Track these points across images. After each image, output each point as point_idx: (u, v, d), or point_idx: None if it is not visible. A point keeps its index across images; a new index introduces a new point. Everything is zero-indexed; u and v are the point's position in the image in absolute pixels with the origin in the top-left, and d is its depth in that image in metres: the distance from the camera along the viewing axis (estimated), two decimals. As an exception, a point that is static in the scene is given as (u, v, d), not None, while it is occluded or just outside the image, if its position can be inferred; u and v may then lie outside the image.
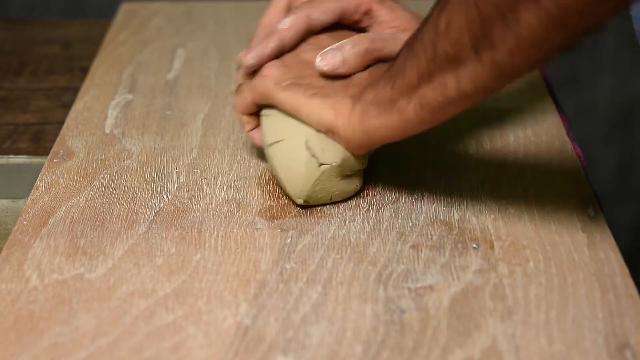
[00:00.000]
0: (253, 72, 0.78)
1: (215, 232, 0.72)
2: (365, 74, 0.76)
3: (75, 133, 0.87)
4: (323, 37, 0.78)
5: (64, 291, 0.66)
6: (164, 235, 0.72)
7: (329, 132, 0.73)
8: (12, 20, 1.31)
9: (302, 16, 0.78)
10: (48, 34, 1.17)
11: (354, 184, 0.76)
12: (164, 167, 0.81)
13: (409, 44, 0.68)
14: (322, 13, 0.78)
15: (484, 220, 0.73)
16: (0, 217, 0.88)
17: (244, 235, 0.71)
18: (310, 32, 0.78)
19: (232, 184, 0.78)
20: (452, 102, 0.65)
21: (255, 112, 0.79)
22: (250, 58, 0.77)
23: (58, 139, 0.86)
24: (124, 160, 0.82)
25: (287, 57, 0.77)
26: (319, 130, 0.74)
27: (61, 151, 0.83)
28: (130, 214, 0.74)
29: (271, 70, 0.76)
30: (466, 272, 0.67)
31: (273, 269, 0.68)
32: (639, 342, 0.61)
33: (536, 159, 0.81)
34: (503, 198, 0.75)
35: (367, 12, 0.79)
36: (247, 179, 0.79)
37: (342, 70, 0.75)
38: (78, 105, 0.92)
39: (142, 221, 0.73)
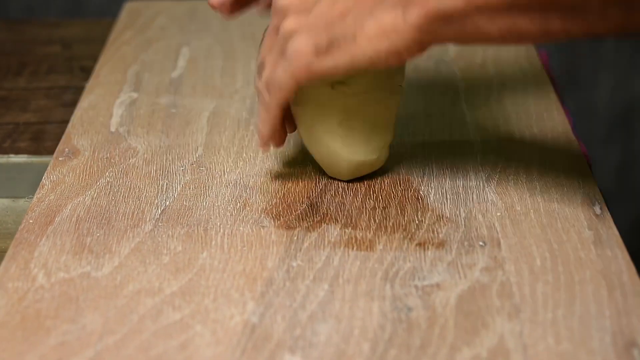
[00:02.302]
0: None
1: (222, 230, 0.72)
2: None
3: (80, 131, 0.86)
4: None
5: (71, 289, 0.66)
6: (170, 233, 0.71)
7: (392, 60, 0.67)
8: (12, 20, 1.31)
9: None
10: (48, 34, 1.17)
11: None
12: (169, 165, 0.81)
13: None
14: None
15: (490, 218, 0.73)
16: (0, 216, 0.87)
17: (250, 233, 0.71)
18: None
19: (238, 182, 0.78)
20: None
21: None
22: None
23: (64, 137, 0.85)
24: (129, 159, 0.82)
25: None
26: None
27: (67, 149, 0.83)
28: (136, 212, 0.74)
29: (301, 43, 0.68)
30: (473, 270, 0.67)
31: (280, 267, 0.68)
32: (646, 340, 0.61)
33: (542, 156, 0.81)
34: (509, 196, 0.75)
35: None
36: (252, 176, 0.79)
37: None
38: (83, 104, 0.92)
39: (148, 219, 0.73)
